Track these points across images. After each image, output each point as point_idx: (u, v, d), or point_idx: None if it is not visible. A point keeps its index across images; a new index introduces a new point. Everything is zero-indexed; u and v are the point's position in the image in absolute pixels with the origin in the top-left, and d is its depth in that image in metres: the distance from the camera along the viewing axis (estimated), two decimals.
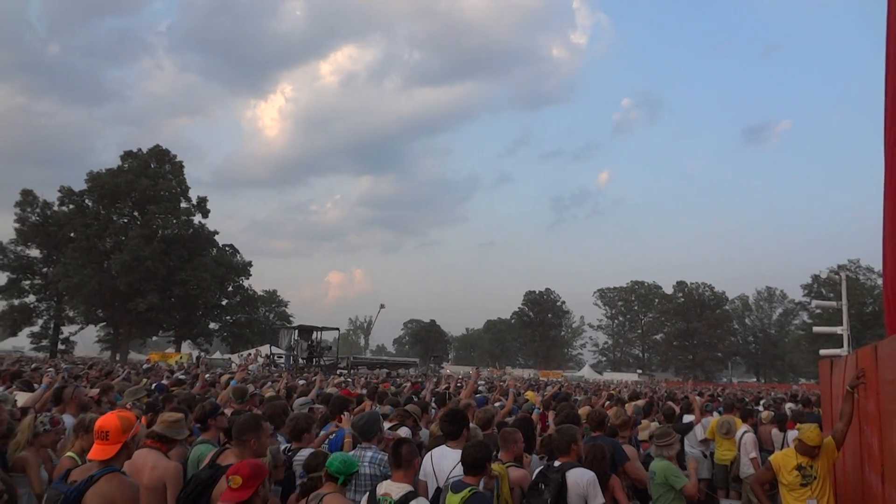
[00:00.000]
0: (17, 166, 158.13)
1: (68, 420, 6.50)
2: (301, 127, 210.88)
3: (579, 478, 5.15)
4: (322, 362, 36.12)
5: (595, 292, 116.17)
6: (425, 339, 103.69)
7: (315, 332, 38.69)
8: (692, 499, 6.50)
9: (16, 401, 7.00)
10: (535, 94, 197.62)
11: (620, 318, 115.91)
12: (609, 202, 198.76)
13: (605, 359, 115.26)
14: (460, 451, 5.30)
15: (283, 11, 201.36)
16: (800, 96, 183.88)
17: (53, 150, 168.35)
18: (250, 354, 40.23)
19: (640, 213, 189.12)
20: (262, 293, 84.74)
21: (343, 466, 4.35)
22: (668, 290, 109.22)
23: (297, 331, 39.26)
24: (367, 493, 4.42)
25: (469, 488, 4.54)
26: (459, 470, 5.14)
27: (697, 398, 13.77)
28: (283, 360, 37.73)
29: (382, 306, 76.68)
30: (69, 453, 4.93)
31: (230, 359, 44.89)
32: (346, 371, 33.76)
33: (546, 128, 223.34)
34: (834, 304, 25.37)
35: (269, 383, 14.38)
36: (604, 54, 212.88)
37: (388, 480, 4.44)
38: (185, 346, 67.33)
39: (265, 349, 44.80)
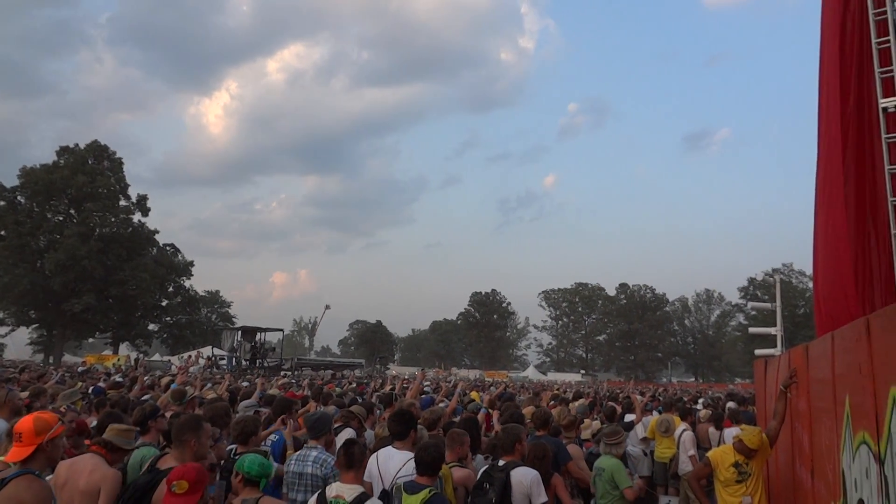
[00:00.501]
0: None
1: (1, 425, 6.25)
2: (246, 125, 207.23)
3: (523, 476, 5.21)
4: (266, 364, 35.61)
5: (540, 294, 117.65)
6: (371, 340, 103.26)
7: (258, 333, 38.15)
8: (632, 500, 6.65)
9: None
10: (484, 96, 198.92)
11: (564, 320, 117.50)
12: (554, 205, 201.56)
13: (549, 359, 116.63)
14: (406, 452, 5.31)
15: (229, 6, 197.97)
16: (739, 105, 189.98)
17: None
18: (191, 356, 39.36)
19: (585, 216, 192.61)
20: (204, 294, 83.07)
21: (261, 469, 4.23)
22: (611, 291, 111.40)
23: (240, 332, 38.64)
24: (316, 496, 4.37)
25: (428, 489, 4.55)
26: (406, 471, 5.15)
27: (639, 397, 14.07)
28: (225, 362, 37.05)
29: (327, 307, 76.39)
30: (1, 459, 4.74)
31: (170, 361, 43.86)
32: (290, 372, 33.31)
33: (494, 130, 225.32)
34: (769, 305, 26.25)
35: (210, 385, 14.09)
36: (551, 59, 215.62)
37: (338, 482, 4.39)
38: (123, 348, 65.45)
39: (207, 351, 43.90)
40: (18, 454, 3.57)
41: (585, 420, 9.40)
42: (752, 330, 25.02)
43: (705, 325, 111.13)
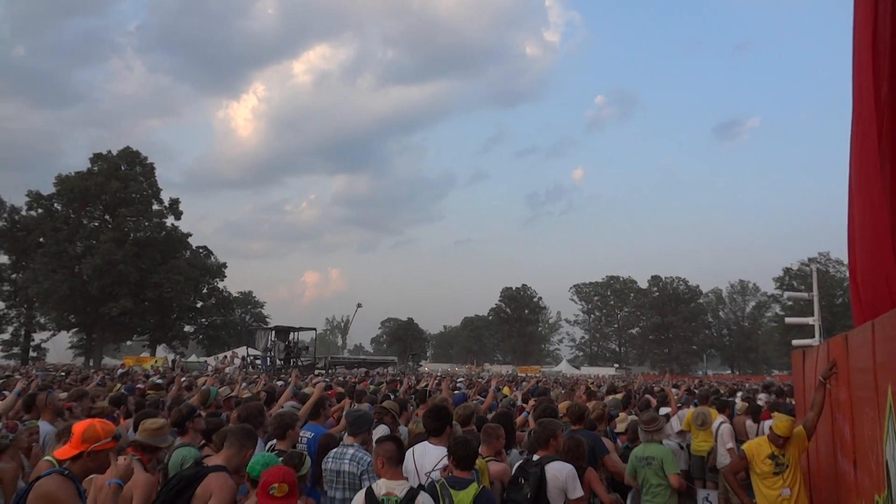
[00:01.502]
0: None
1: (45, 427, 6.41)
2: (274, 127, 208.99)
3: (558, 471, 5.19)
4: (299, 363, 35.90)
5: (571, 288, 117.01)
6: (403, 337, 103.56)
7: (292, 333, 38.47)
8: (677, 490, 6.60)
9: None
10: (510, 91, 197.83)
11: (596, 313, 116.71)
12: (583, 198, 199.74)
13: (582, 353, 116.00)
14: (443, 448, 5.33)
15: (254, 10, 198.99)
16: (769, 93, 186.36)
17: (20, 153, 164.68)
18: (226, 357, 39.90)
19: (615, 209, 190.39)
20: (237, 295, 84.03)
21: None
22: (644, 284, 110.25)
23: (273, 332, 38.99)
24: (364, 493, 4.39)
25: (475, 483, 4.59)
26: (443, 466, 5.17)
27: (674, 391, 13.93)
28: (260, 362, 37.48)
29: (359, 305, 76.51)
30: (47, 457, 4.86)
31: (206, 362, 44.50)
32: (324, 371, 33.60)
33: (520, 125, 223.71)
34: (805, 295, 25.82)
35: (245, 385, 14.27)
36: (577, 52, 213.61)
37: (384, 479, 4.41)
38: (161, 350, 66.59)
39: (241, 351, 44.43)
40: (62, 453, 3.65)
41: (621, 414, 9.34)
42: (788, 320, 24.61)
43: (740, 317, 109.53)
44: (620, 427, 8.68)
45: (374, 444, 4.96)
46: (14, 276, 63.97)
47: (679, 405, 11.88)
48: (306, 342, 40.00)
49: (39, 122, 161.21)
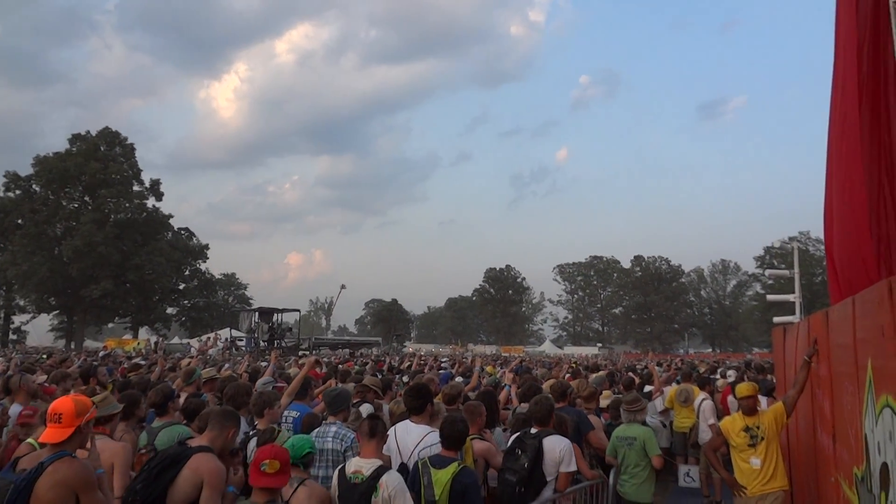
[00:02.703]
0: None
1: (17, 409, 6.35)
2: (257, 107, 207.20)
3: (556, 444, 5.30)
4: (283, 344, 35.88)
5: (555, 268, 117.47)
6: (387, 318, 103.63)
7: (275, 314, 38.42)
8: (656, 469, 6.69)
9: None
10: (494, 71, 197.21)
11: (580, 293, 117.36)
12: (567, 179, 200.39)
13: (565, 333, 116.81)
14: (424, 426, 5.36)
15: None
16: (754, 73, 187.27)
17: None
18: (209, 339, 39.76)
19: (598, 189, 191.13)
20: (220, 276, 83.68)
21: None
22: (626, 264, 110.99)
23: (257, 313, 38.95)
24: (337, 471, 4.40)
25: (456, 462, 4.60)
26: (424, 444, 5.19)
27: (657, 369, 14.06)
28: (244, 343, 37.42)
29: (343, 287, 76.20)
30: (29, 440, 4.81)
31: (189, 343, 44.31)
32: (307, 352, 33.57)
33: (505, 105, 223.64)
34: (787, 273, 26.07)
35: (228, 365, 14.23)
36: (562, 32, 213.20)
37: (357, 457, 4.42)
38: (143, 332, 66.25)
39: (225, 333, 44.33)
40: (56, 435, 3.51)
41: (605, 391, 9.42)
42: (770, 297, 24.74)
43: (721, 296, 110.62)
44: (603, 403, 8.76)
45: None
46: None
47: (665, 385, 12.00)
48: (290, 323, 40.00)
49: (18, 103, 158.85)
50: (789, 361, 7.60)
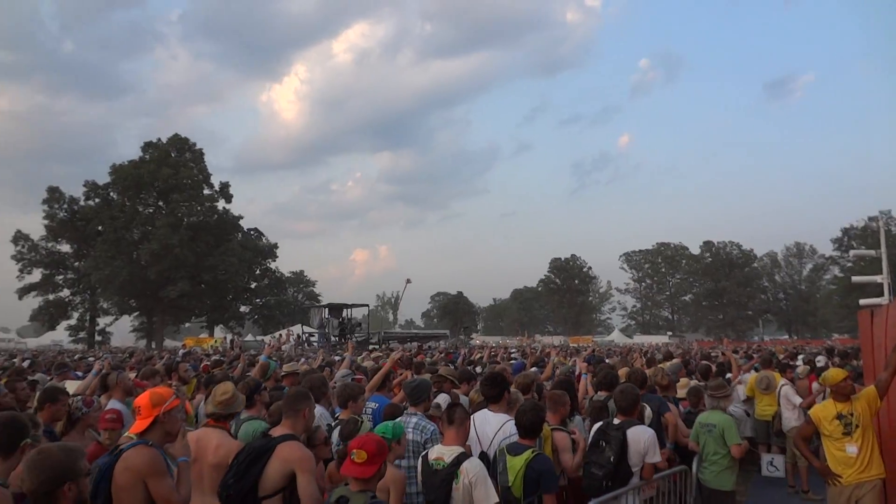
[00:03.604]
0: (42, 164, 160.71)
1: (115, 405, 6.65)
2: (317, 107, 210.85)
3: (640, 435, 5.25)
4: (354, 339, 36.42)
5: (621, 256, 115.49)
6: (453, 311, 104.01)
7: (345, 310, 39.00)
8: (736, 458, 6.54)
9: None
10: (551, 59, 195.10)
11: (648, 281, 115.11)
12: (630, 165, 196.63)
13: (634, 322, 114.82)
14: (502, 415, 5.38)
15: None
16: (822, 47, 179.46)
17: (76, 145, 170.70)
18: (282, 335, 40.68)
19: (663, 175, 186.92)
20: (289, 274, 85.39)
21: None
22: (695, 250, 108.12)
23: (327, 309, 39.58)
24: (420, 458, 4.47)
25: (530, 450, 4.61)
26: (503, 433, 5.21)
27: (734, 356, 13.70)
28: (315, 339, 38.15)
29: (409, 281, 76.75)
30: (127, 433, 5.05)
31: (263, 340, 45.43)
32: (377, 346, 34.03)
33: (563, 94, 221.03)
34: (872, 253, 24.89)
35: (304, 360, 14.57)
36: (619, 15, 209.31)
37: (439, 445, 4.48)
38: (218, 331, 68.31)
39: (297, 329, 45.29)
40: (138, 426, 3.79)
41: (682, 379, 9.24)
42: (855, 279, 23.70)
43: (797, 280, 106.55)
44: (681, 392, 8.59)
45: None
46: (77, 263, 66.32)
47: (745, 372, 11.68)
48: (359, 318, 40.53)
49: (92, 115, 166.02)
50: (878, 345, 7.28)
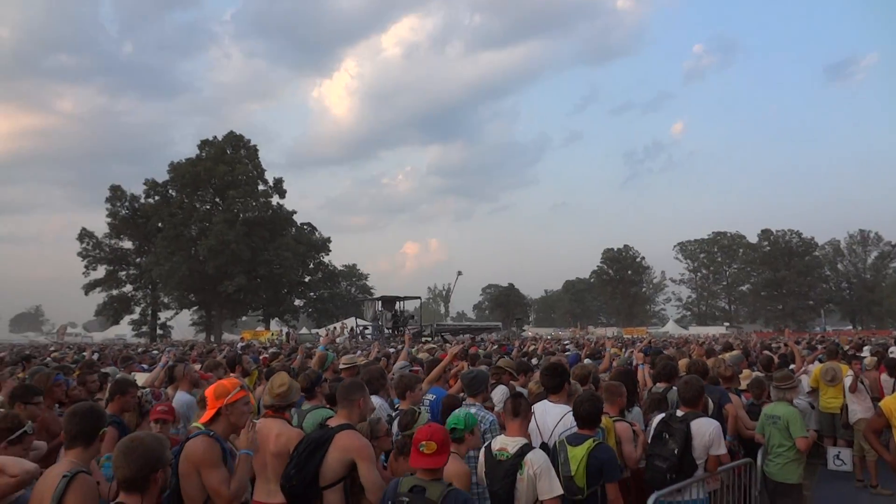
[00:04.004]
0: (104, 164, 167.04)
1: (182, 396, 6.85)
2: (367, 102, 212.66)
3: (705, 428, 5.17)
4: (406, 331, 36.69)
5: (675, 246, 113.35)
6: (504, 303, 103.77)
7: (398, 302, 39.29)
8: (802, 451, 6.37)
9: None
10: (602, 47, 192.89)
11: (703, 271, 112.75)
12: (684, 153, 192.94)
13: (689, 313, 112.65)
14: (563, 406, 5.36)
15: None
16: (886, 26, 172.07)
17: (135, 145, 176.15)
18: (336, 328, 41.23)
19: (718, 162, 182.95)
20: (342, 268, 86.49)
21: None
22: (753, 239, 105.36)
23: (380, 302, 39.92)
24: (483, 448, 4.49)
25: (591, 439, 4.59)
26: (563, 424, 5.19)
27: (797, 347, 13.33)
28: (369, 332, 38.54)
29: (460, 273, 76.65)
30: (194, 423, 5.21)
31: (318, 333, 46.14)
32: (430, 338, 34.20)
33: (614, 82, 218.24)
34: None
35: (360, 352, 14.74)
36: (671, 1, 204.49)
37: (502, 436, 4.49)
38: (273, 324, 69.62)
39: (350, 322, 45.82)
40: (204, 417, 3.93)
41: (744, 370, 9.04)
42: None
43: (861, 269, 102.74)
44: (743, 384, 8.41)
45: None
46: (138, 260, 68.57)
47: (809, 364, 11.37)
48: (411, 311, 40.77)
49: (150, 115, 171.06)
50: None
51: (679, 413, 5.47)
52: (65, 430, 3.82)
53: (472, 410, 5.43)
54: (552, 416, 5.31)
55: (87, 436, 3.69)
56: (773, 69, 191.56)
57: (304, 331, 59.24)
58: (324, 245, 74.23)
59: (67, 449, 3.75)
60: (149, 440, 3.18)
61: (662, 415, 5.62)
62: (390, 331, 36.58)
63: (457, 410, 4.94)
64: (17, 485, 3.80)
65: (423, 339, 32.07)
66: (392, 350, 14.99)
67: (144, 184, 66.68)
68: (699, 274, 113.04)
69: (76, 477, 3.42)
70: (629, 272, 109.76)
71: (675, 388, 6.99)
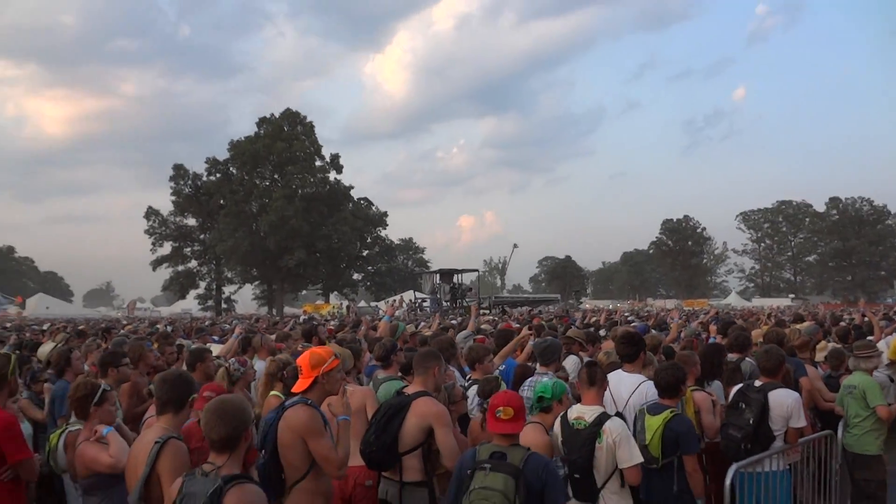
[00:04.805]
0: (166, 144, 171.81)
1: (259, 365, 7.06)
2: (420, 75, 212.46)
3: (784, 398, 5.07)
4: (465, 303, 36.79)
5: (737, 216, 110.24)
6: (561, 275, 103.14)
7: (455, 275, 39.41)
8: (885, 421, 6.19)
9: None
10: (659, 12, 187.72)
11: (767, 241, 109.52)
12: (747, 119, 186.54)
13: (752, 285, 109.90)
14: (637, 375, 5.32)
15: None
16: None
17: (195, 124, 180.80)
18: (395, 301, 41.65)
19: (783, 128, 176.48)
20: (398, 242, 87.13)
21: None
22: (820, 207, 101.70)
23: (437, 275, 40.10)
24: (559, 418, 4.50)
25: (669, 409, 4.55)
26: (638, 394, 5.16)
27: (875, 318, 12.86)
28: (427, 305, 38.80)
29: (515, 246, 76.26)
30: (274, 392, 5.38)
31: (377, 306, 46.75)
32: (487, 311, 34.27)
33: (673, 48, 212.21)
34: None
35: (423, 323, 14.91)
36: None
37: (578, 405, 4.49)
38: (333, 298, 70.88)
39: (408, 295, 46.23)
40: (299, 385, 3.98)
41: (821, 342, 8.80)
42: None
43: None
44: (820, 356, 8.19)
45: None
46: (202, 236, 70.58)
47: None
48: (469, 284, 40.87)
49: (210, 95, 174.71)
50: None
51: (757, 383, 5.36)
52: (156, 397, 4.00)
53: (545, 380, 5.45)
54: (627, 386, 5.28)
55: (177, 402, 3.86)
56: (840, 28, 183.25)
57: (362, 304, 60.11)
58: (380, 219, 74.83)
59: (159, 415, 3.92)
60: (237, 401, 3.30)
61: (739, 385, 5.52)
62: (448, 303, 36.76)
63: (544, 379, 4.98)
64: (110, 466, 4.01)
65: (482, 312, 32.15)
66: (454, 322, 15.09)
67: (206, 162, 68.39)
68: (763, 244, 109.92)
69: (167, 443, 3.60)
70: (689, 243, 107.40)
71: (748, 359, 6.88)
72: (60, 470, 4.54)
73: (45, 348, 7.78)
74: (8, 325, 25.50)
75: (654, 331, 10.37)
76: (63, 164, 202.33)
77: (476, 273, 42.97)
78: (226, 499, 2.84)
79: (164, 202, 69.70)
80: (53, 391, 6.18)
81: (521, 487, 3.43)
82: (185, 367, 6.02)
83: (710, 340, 8.53)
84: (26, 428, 5.25)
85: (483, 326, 12.05)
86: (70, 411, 4.71)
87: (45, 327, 19.14)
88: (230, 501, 2.84)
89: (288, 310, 66.09)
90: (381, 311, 34.84)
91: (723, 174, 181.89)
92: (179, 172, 68.73)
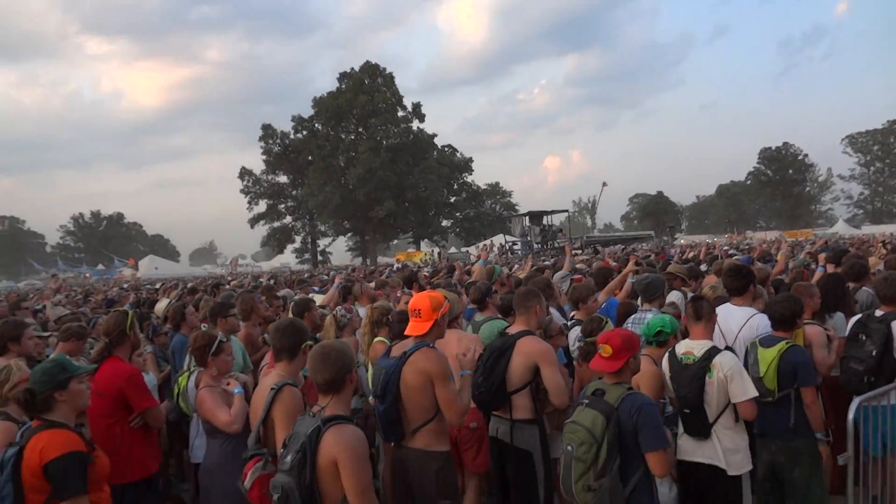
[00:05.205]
0: (254, 106, 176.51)
1: (361, 311, 7.25)
2: (496, 17, 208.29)
3: None
4: (556, 244, 36.53)
5: (843, 139, 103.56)
6: (654, 211, 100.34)
7: (545, 217, 39.09)
8: None
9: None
10: None
11: (878, 165, 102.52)
12: (850, 36, 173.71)
13: (861, 211, 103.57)
14: (747, 308, 5.12)
15: None
16: None
17: (279, 84, 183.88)
18: (485, 245, 41.79)
19: (892, 43, 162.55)
20: (485, 187, 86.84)
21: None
22: None
23: (527, 217, 39.91)
24: (667, 353, 4.41)
25: (784, 341, 4.38)
26: (749, 327, 4.98)
27: None
28: (518, 247, 38.78)
29: (605, 184, 74.61)
30: (379, 338, 5.51)
31: (468, 251, 47.02)
32: (580, 251, 33.90)
33: None
34: None
35: (516, 265, 14.88)
36: None
37: (686, 339, 4.38)
38: (423, 245, 71.81)
39: (498, 239, 46.26)
40: (418, 328, 3.99)
41: None
42: None
43: None
44: None
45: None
46: (294, 192, 72.66)
47: None
48: (559, 225, 40.49)
49: (289, 54, 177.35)
50: None
51: (878, 313, 5.05)
52: (272, 346, 4.16)
53: (649, 316, 5.34)
54: (736, 320, 5.10)
55: (290, 350, 3.98)
56: None
57: (453, 250, 60.61)
58: (466, 165, 74.69)
59: (275, 363, 4.08)
60: (339, 346, 3.38)
61: (859, 316, 5.23)
62: (539, 245, 36.59)
63: (648, 316, 4.88)
64: (226, 424, 4.20)
65: (574, 252, 31.80)
66: (548, 263, 14.99)
67: (292, 120, 70.03)
68: (872, 168, 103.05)
69: (282, 389, 3.73)
70: (790, 171, 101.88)
71: (864, 287, 6.51)
72: (192, 410, 4.80)
73: (161, 305, 8.20)
74: (125, 285, 27.25)
75: (759, 263, 9.98)
76: (160, 132, 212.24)
77: (566, 213, 42.48)
78: (324, 438, 2.98)
79: (257, 162, 72.17)
80: (172, 345, 6.57)
81: (612, 426, 3.44)
82: None
83: (818, 270, 8.10)
84: (150, 379, 5.61)
85: (578, 266, 11.91)
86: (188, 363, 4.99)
87: (157, 286, 20.35)
88: (328, 440, 2.98)
89: (381, 259, 67.45)
90: (472, 257, 35.12)
91: (824, 97, 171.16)
92: (268, 132, 70.61)
